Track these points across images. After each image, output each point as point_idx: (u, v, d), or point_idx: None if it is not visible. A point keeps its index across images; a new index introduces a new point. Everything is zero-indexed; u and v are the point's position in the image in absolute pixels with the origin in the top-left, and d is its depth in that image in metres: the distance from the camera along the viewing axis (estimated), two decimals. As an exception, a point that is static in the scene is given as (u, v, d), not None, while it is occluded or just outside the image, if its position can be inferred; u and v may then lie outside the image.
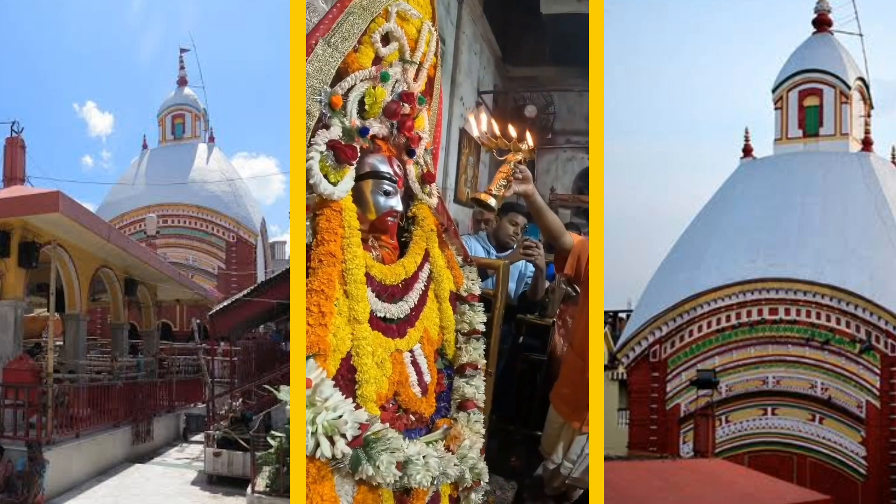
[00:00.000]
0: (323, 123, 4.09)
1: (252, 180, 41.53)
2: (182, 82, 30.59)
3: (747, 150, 15.50)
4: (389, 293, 4.50)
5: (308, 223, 4.16)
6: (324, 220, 4.09)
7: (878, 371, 12.94)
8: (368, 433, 3.91)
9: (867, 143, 14.80)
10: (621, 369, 16.67)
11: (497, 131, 5.01)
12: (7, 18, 53.24)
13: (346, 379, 4.06)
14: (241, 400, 13.71)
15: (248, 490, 9.62)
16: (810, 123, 15.00)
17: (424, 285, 4.86)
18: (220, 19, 59.09)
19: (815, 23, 15.56)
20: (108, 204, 27.82)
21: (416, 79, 4.80)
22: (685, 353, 14.04)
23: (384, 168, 4.44)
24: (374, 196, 4.38)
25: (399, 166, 4.63)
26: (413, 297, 4.69)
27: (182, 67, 30.77)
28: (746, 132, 15.57)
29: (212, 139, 30.25)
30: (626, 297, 21.39)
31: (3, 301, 11.43)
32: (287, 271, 13.32)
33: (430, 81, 5.12)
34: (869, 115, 15.24)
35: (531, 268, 7.11)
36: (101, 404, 12.44)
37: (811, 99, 14.99)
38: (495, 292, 5.91)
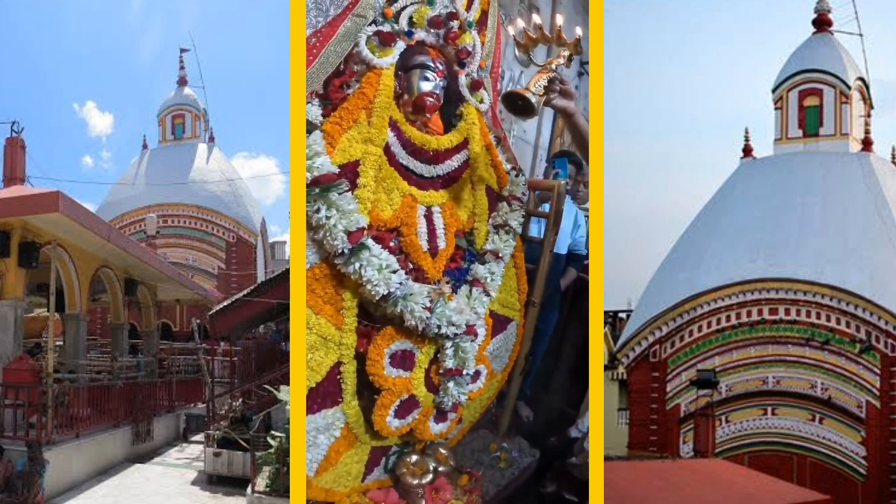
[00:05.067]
0: (374, 22, 5.33)
1: (252, 180, 41.53)
2: (182, 82, 30.59)
3: (747, 150, 15.51)
4: (416, 151, 5.36)
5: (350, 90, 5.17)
6: (365, 78, 5.15)
7: (878, 371, 12.95)
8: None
9: (867, 143, 14.81)
10: (621, 369, 16.68)
11: (538, 23, 5.53)
12: (7, 18, 53.21)
13: (350, 181, 4.85)
14: (241, 400, 13.70)
15: (248, 490, 9.62)
16: (810, 123, 15.01)
17: (458, 165, 5.62)
18: (220, 19, 59.05)
19: (815, 23, 15.57)
20: (108, 204, 27.82)
21: (468, 8, 5.77)
22: (685, 353, 14.04)
23: (429, 62, 5.50)
24: (418, 82, 5.44)
25: (442, 63, 5.59)
26: (442, 167, 5.51)
27: (182, 67, 30.79)
28: (746, 132, 15.60)
29: (212, 139, 30.26)
30: (626, 297, 21.43)
31: (3, 301, 11.42)
32: (287, 271, 13.31)
33: (485, 15, 6.02)
34: (869, 115, 15.25)
35: (583, 229, 7.43)
36: (101, 404, 12.43)
37: (811, 99, 15.00)
38: (549, 212, 6.23)
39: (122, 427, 13.04)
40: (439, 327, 5.04)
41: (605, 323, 19.23)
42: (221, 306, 14.13)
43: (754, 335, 13.70)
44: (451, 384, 5.27)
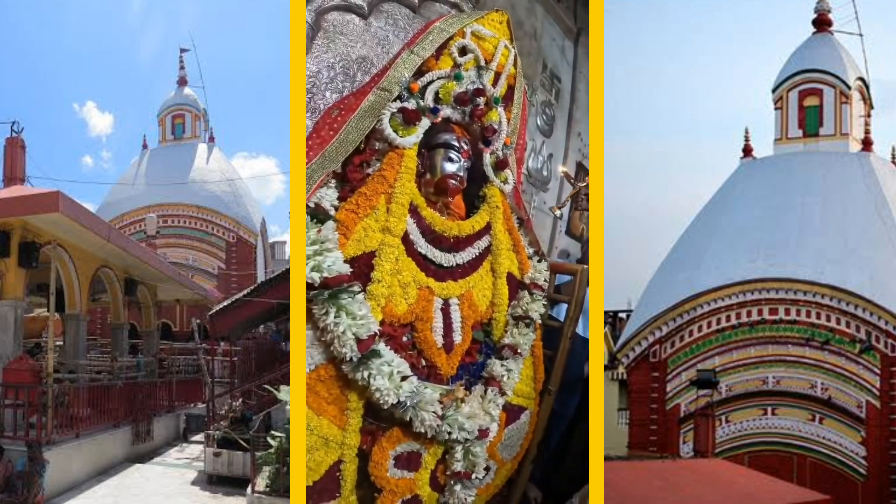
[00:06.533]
0: (399, 97, 5.28)
1: (252, 180, 41.48)
2: (182, 82, 30.61)
3: (747, 150, 15.51)
4: (436, 238, 5.18)
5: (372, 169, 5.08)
6: (387, 158, 5.03)
7: (878, 371, 12.94)
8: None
9: (867, 143, 14.80)
10: (621, 369, 16.67)
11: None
12: (7, 18, 53.18)
13: (363, 273, 4.66)
14: (241, 400, 13.69)
15: (248, 490, 9.61)
16: (810, 123, 15.00)
17: (479, 253, 5.45)
18: (220, 19, 59.06)
19: (815, 23, 15.57)
20: (108, 204, 27.82)
21: (494, 84, 5.71)
22: (685, 353, 14.03)
23: (453, 141, 5.41)
24: (442, 162, 5.35)
25: (467, 143, 5.50)
26: (463, 255, 5.33)
27: (182, 67, 30.81)
28: (746, 132, 15.59)
29: (212, 139, 30.28)
30: (626, 297, 21.42)
31: (3, 301, 11.41)
32: (287, 271, 13.29)
33: (511, 91, 5.94)
34: (869, 115, 15.24)
35: None
36: (101, 404, 12.42)
37: (811, 99, 15.00)
38: (570, 298, 6.01)
39: (122, 427, 13.03)
40: (450, 433, 4.84)
41: (605, 323, 19.21)
42: (221, 306, 14.11)
43: (754, 335, 13.70)
44: (458, 487, 5.07)
